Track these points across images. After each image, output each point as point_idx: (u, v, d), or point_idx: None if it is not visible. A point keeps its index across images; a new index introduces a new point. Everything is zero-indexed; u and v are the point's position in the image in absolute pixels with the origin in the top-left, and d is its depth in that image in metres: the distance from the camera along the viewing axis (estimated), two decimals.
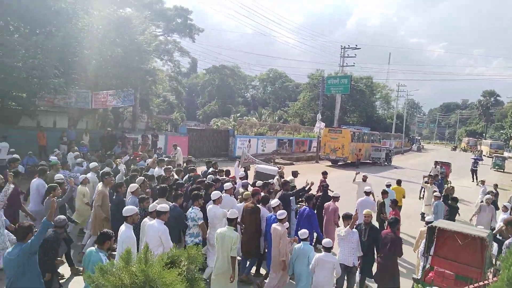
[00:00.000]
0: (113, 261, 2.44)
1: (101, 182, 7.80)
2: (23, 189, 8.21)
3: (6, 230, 6.06)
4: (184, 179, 9.59)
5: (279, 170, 11.02)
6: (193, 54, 41.04)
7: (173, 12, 32.39)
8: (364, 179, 11.46)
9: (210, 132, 26.00)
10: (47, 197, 6.89)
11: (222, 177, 9.61)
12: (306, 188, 8.86)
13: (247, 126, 33.13)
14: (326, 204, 8.46)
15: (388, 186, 10.78)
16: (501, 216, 9.04)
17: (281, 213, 6.33)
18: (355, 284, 6.51)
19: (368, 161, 30.38)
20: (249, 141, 27.13)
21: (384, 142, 41.57)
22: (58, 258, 5.82)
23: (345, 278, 6.40)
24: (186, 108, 48.55)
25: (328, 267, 5.63)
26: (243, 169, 11.73)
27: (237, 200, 8.07)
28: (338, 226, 7.84)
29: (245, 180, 9.73)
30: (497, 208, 10.48)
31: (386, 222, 8.12)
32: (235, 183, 9.25)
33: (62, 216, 6.05)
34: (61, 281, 6.21)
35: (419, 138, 75.44)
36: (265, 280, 6.79)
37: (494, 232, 7.34)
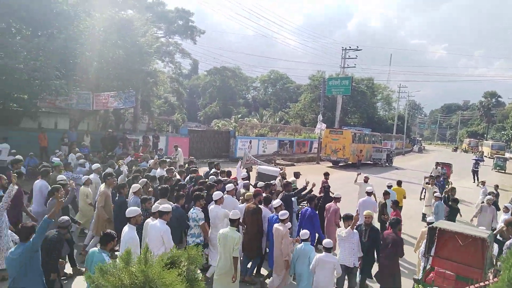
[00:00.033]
0: (115, 262, 2.46)
1: (103, 183, 7.83)
2: (25, 190, 8.22)
3: (10, 231, 6.08)
4: (185, 180, 9.60)
5: (281, 171, 11.02)
6: (194, 55, 41.20)
7: (174, 14, 32.51)
8: (366, 180, 11.47)
9: (211, 133, 26.03)
10: (50, 198, 6.91)
11: (223, 178, 9.63)
12: (307, 188, 8.87)
13: (248, 127, 33.19)
14: (327, 205, 8.46)
15: (390, 187, 10.79)
16: (502, 217, 9.03)
17: (283, 214, 6.35)
18: (356, 285, 6.50)
19: (369, 162, 30.35)
20: (250, 142, 27.14)
21: (385, 143, 41.55)
22: (60, 260, 5.83)
23: (346, 278, 6.41)
24: (187, 110, 48.66)
25: (328, 268, 5.64)
26: (245, 170, 11.74)
27: (238, 201, 8.08)
28: (339, 226, 7.84)
29: (246, 181, 9.74)
30: (498, 209, 10.47)
31: (388, 222, 8.16)
32: (237, 184, 9.26)
33: (66, 217, 6.08)
34: (65, 282, 6.24)
35: (420, 139, 75.29)
36: (266, 281, 6.81)
37: (494, 232, 7.33)
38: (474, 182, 22.99)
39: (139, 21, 19.22)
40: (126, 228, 5.46)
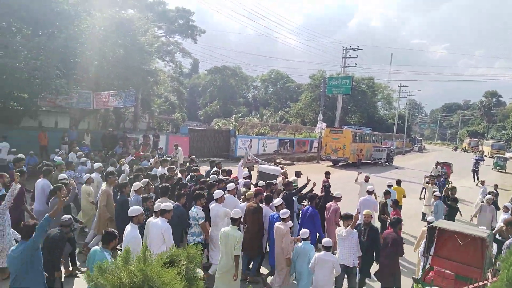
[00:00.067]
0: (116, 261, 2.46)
1: (105, 182, 7.88)
2: (26, 188, 8.24)
3: (12, 229, 6.10)
4: (186, 179, 9.62)
5: (283, 171, 11.02)
6: (194, 55, 41.17)
7: (175, 13, 32.54)
8: (366, 179, 11.48)
9: (211, 132, 26.03)
10: (52, 197, 6.94)
11: (225, 177, 9.65)
12: (307, 185, 8.90)
13: (248, 127, 33.18)
14: (327, 204, 8.48)
15: (390, 186, 10.83)
16: (501, 216, 9.04)
17: (284, 212, 6.40)
18: (355, 285, 6.51)
19: (369, 161, 30.34)
20: (250, 142, 27.14)
21: (385, 142, 41.55)
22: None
23: (345, 278, 6.42)
24: (187, 109, 48.67)
25: (327, 267, 5.66)
26: (246, 169, 11.77)
27: (240, 199, 8.10)
28: (339, 226, 7.86)
29: (247, 180, 9.75)
30: (497, 208, 10.48)
31: (388, 222, 8.18)
32: (238, 183, 9.28)
33: (68, 216, 6.10)
34: (66, 280, 6.26)
35: (421, 138, 75.25)
36: (267, 280, 6.85)
37: (493, 232, 7.34)
38: (474, 181, 22.99)
39: (139, 20, 19.24)
40: (128, 227, 5.48)
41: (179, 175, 9.83)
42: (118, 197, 7.51)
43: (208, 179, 9.04)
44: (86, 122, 22.17)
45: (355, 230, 6.39)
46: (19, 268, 4.27)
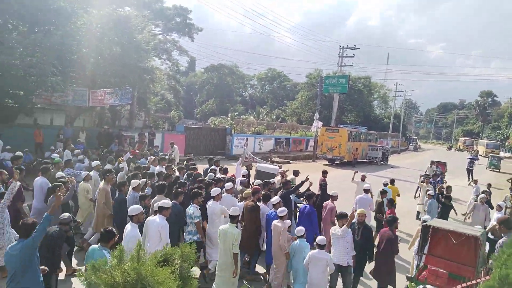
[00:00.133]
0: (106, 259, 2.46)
1: (103, 180, 7.90)
2: (23, 186, 8.22)
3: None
4: (184, 177, 9.63)
5: (281, 170, 11.05)
6: (191, 53, 41.04)
7: (172, 11, 32.41)
8: (363, 178, 11.53)
9: (207, 131, 26.00)
10: (50, 195, 6.94)
11: (222, 176, 9.68)
12: (304, 183, 8.94)
13: (244, 125, 33.14)
14: (324, 203, 8.52)
15: (386, 184, 10.91)
16: (495, 215, 9.12)
17: (282, 210, 6.44)
18: (350, 284, 6.55)
19: (365, 160, 30.44)
20: (247, 140, 27.14)
21: (381, 141, 41.65)
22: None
23: (339, 277, 6.45)
24: (184, 107, 48.57)
25: (321, 265, 5.70)
26: (245, 167, 11.80)
27: (237, 198, 8.12)
28: (334, 225, 7.90)
29: (244, 178, 9.78)
30: (491, 207, 10.55)
31: (384, 221, 8.22)
32: (235, 182, 9.31)
33: (67, 214, 6.11)
34: (64, 279, 6.26)
35: (416, 137, 75.54)
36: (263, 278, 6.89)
37: (486, 230, 7.39)
38: (468, 180, 23.12)
39: (136, 18, 19.15)
40: (128, 227, 5.48)
41: (177, 173, 9.83)
42: (116, 195, 7.52)
43: (206, 178, 9.08)
44: (82, 120, 22.06)
45: (349, 229, 6.42)
46: (18, 267, 4.24)
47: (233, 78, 62.89)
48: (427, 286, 5.52)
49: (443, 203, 10.00)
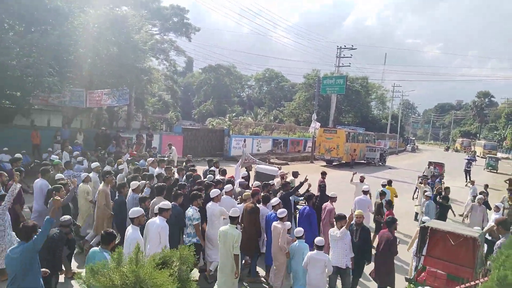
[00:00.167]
0: (105, 261, 2.45)
1: (102, 182, 7.89)
2: (24, 188, 8.21)
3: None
4: (183, 178, 9.61)
5: (280, 171, 11.05)
6: (189, 53, 41.04)
7: (169, 11, 32.39)
8: (362, 179, 11.55)
9: (205, 132, 25.98)
10: (50, 197, 6.92)
11: (222, 178, 9.67)
12: (303, 184, 8.94)
13: (242, 126, 33.15)
14: (323, 205, 8.51)
15: (384, 185, 10.93)
16: (492, 216, 9.13)
17: (281, 212, 6.44)
18: (349, 285, 6.54)
19: (363, 161, 30.48)
20: (244, 141, 27.13)
21: (378, 142, 41.76)
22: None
23: (338, 278, 6.44)
24: (181, 108, 48.50)
25: (319, 266, 5.70)
26: (245, 169, 11.78)
27: (236, 200, 8.11)
28: (333, 226, 7.90)
29: (242, 180, 9.77)
30: (489, 208, 10.56)
31: (382, 222, 8.22)
32: (233, 184, 9.30)
33: (67, 216, 6.09)
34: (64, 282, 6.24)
35: (414, 138, 75.80)
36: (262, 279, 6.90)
37: (483, 231, 7.40)
38: (466, 181, 23.17)
39: (133, 18, 19.11)
40: (129, 229, 5.46)
41: (176, 175, 9.81)
42: (116, 197, 7.51)
43: (205, 179, 9.08)
44: (79, 121, 22.02)
45: (348, 231, 6.42)
46: (18, 270, 4.22)
47: (231, 79, 62.87)
48: (425, 287, 5.52)
49: (441, 204, 10.01)
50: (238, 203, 7.71)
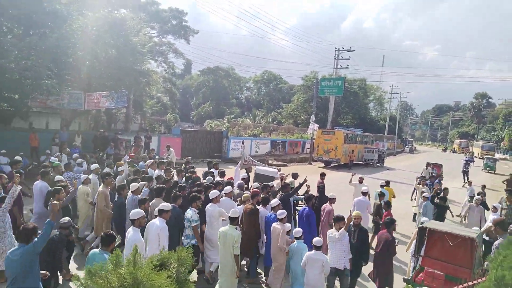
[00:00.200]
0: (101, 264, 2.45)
1: (102, 184, 7.92)
2: (23, 191, 8.20)
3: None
4: (182, 180, 9.62)
5: (280, 173, 11.05)
6: (187, 55, 41.09)
7: (168, 13, 32.48)
8: (361, 180, 11.56)
9: (203, 134, 25.98)
10: (50, 200, 6.95)
11: (221, 179, 9.68)
12: (303, 185, 8.96)
13: (241, 128, 33.18)
14: (322, 206, 8.52)
15: (382, 186, 10.96)
16: (490, 216, 9.15)
17: (281, 213, 6.46)
18: (347, 286, 6.54)
19: (361, 162, 30.53)
20: (243, 143, 27.14)
21: (377, 143, 41.81)
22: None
23: (337, 280, 6.44)
24: (180, 110, 48.54)
25: (317, 266, 5.71)
26: (244, 170, 11.78)
27: (236, 201, 8.12)
28: (332, 228, 7.91)
29: (241, 181, 9.78)
30: (487, 209, 10.58)
31: (381, 223, 8.23)
32: (233, 186, 9.30)
33: (67, 218, 6.09)
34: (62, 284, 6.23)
35: (412, 139, 75.91)
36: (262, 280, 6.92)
37: (481, 231, 7.41)
38: (464, 182, 23.21)
39: (132, 20, 19.13)
40: (130, 231, 5.46)
41: (176, 177, 9.81)
42: (116, 199, 7.52)
43: (204, 180, 9.08)
44: (77, 123, 22.01)
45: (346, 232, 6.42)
46: (18, 272, 4.22)
47: (229, 81, 62.93)
48: (423, 287, 5.54)
49: (438, 205, 10.03)
50: (237, 205, 7.72)
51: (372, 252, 7.06)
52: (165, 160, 12.04)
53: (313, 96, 34.62)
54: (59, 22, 13.58)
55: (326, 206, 8.36)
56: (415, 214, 12.59)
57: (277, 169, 12.04)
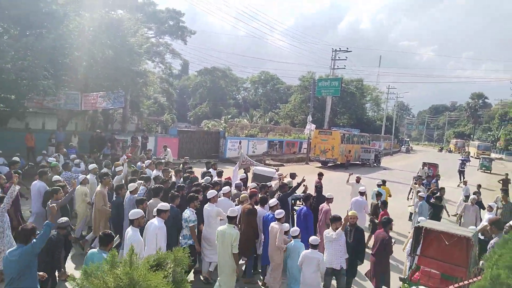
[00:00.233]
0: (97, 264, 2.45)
1: (99, 184, 7.92)
2: (21, 192, 8.19)
3: None
4: (180, 180, 9.61)
5: (278, 173, 11.06)
6: (184, 56, 41.05)
7: (165, 14, 32.43)
8: (358, 180, 11.60)
9: (200, 134, 25.95)
10: (48, 199, 6.96)
11: (219, 179, 9.69)
12: (301, 184, 8.98)
13: (238, 128, 33.17)
14: (320, 206, 8.54)
15: (379, 185, 10.99)
16: (486, 215, 9.20)
17: (279, 213, 6.49)
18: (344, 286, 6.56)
19: (358, 162, 30.58)
20: (240, 143, 27.15)
21: (373, 143, 41.89)
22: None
23: (333, 279, 6.46)
24: (177, 110, 48.45)
25: (313, 264, 5.74)
26: (243, 170, 11.79)
27: (234, 202, 8.13)
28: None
29: (238, 182, 9.79)
30: (483, 208, 10.63)
31: (378, 222, 8.26)
32: (231, 186, 9.31)
33: (65, 218, 6.08)
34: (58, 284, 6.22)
35: (408, 139, 76.10)
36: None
37: (476, 231, 7.45)
38: (460, 182, 23.30)
39: (129, 21, 19.11)
40: (129, 231, 5.45)
41: (174, 179, 9.81)
42: (114, 198, 7.52)
43: (202, 180, 9.09)
44: (74, 124, 21.93)
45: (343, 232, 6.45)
46: (15, 273, 4.22)
47: (226, 81, 62.86)
48: (420, 287, 5.55)
49: (434, 204, 10.07)
50: (236, 205, 7.73)
51: (369, 251, 7.08)
52: (163, 161, 12.01)
53: (310, 97, 34.66)
54: (55, 22, 13.54)
55: (323, 206, 8.37)
56: (411, 214, 12.64)
57: (275, 169, 12.04)
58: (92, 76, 17.53)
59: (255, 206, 7.28)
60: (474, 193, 11.35)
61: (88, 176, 8.81)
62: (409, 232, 10.50)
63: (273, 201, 7.19)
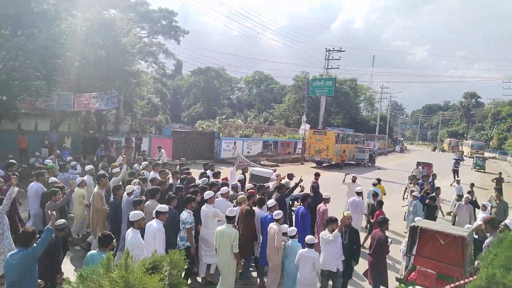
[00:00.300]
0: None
1: (97, 185, 7.87)
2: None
3: None
4: (177, 181, 9.56)
5: (276, 173, 11.03)
6: (178, 56, 40.92)
7: (158, 14, 32.28)
8: (354, 180, 11.63)
9: (195, 134, 25.85)
10: (46, 201, 6.95)
11: (216, 180, 9.65)
12: (299, 185, 8.98)
13: (232, 128, 33.14)
14: (317, 206, 8.53)
15: (375, 185, 11.03)
16: (480, 215, 9.25)
17: (277, 213, 6.48)
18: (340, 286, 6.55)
19: (352, 162, 30.69)
20: (235, 143, 27.10)
21: (367, 143, 42.08)
22: None
23: (330, 280, 6.45)
24: (170, 110, 48.28)
25: (309, 263, 5.75)
26: (240, 171, 11.76)
27: (232, 203, 8.09)
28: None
29: (235, 183, 9.77)
30: (477, 207, 10.69)
31: (373, 222, 8.28)
32: (228, 186, 9.28)
33: (62, 220, 6.04)
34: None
35: (402, 139, 76.60)
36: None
37: (471, 230, 7.48)
38: (453, 181, 23.44)
39: (121, 20, 19.00)
40: (130, 233, 5.42)
41: (171, 180, 9.75)
42: (111, 199, 7.48)
43: (199, 181, 9.04)
44: (67, 125, 21.75)
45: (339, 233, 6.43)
46: (16, 276, 4.21)
47: (220, 81, 62.80)
48: (416, 287, 5.56)
49: (428, 205, 10.11)
50: (233, 206, 7.70)
51: (366, 251, 7.08)
52: (159, 162, 11.97)
53: (304, 97, 34.72)
54: (47, 22, 13.40)
55: (320, 206, 8.37)
56: (406, 213, 12.69)
57: (272, 170, 12.03)
58: (85, 76, 17.39)
59: (253, 207, 7.26)
60: (468, 192, 11.42)
61: (85, 178, 8.78)
62: (404, 232, 10.56)
63: (271, 202, 7.18)
